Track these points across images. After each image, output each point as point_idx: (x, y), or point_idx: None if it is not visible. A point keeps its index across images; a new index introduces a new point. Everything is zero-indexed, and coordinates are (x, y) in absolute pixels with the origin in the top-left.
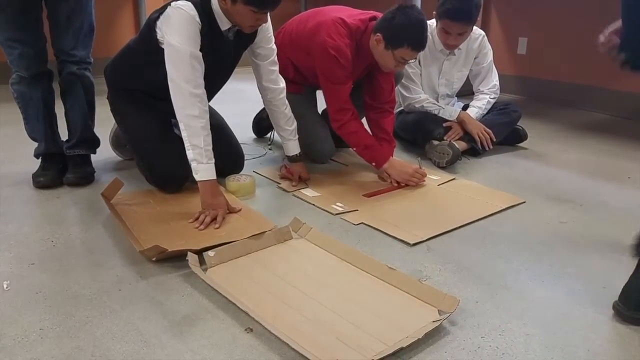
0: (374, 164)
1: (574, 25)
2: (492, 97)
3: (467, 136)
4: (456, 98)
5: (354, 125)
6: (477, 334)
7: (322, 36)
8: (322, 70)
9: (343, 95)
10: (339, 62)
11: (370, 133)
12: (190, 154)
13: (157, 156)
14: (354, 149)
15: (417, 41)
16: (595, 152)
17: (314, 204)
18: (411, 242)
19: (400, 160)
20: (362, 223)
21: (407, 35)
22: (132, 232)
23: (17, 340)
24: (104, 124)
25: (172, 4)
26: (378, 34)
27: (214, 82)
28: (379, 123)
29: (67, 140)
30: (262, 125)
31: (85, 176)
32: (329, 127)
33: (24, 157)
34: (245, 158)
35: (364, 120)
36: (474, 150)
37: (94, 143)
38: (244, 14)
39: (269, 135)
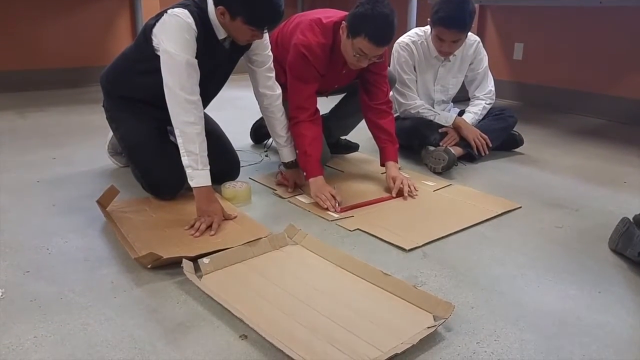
0: (305, 173)
1: (570, 31)
2: (487, 102)
3: (463, 142)
4: (452, 104)
5: (305, 127)
6: (473, 339)
7: (297, 35)
8: (290, 65)
9: (305, 93)
10: (307, 60)
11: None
12: (185, 160)
13: (152, 163)
14: (296, 150)
15: (375, 34)
16: (591, 157)
17: (309, 211)
18: (407, 248)
19: (325, 184)
20: (357, 229)
21: (366, 25)
22: (128, 239)
23: (11, 348)
24: (101, 131)
25: (169, 11)
26: (344, 22)
27: (209, 89)
28: (378, 125)
29: None
30: (261, 132)
31: None
32: (324, 133)
33: (20, 165)
34: (241, 165)
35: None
36: (470, 156)
37: None
38: (242, 30)
39: (265, 142)
